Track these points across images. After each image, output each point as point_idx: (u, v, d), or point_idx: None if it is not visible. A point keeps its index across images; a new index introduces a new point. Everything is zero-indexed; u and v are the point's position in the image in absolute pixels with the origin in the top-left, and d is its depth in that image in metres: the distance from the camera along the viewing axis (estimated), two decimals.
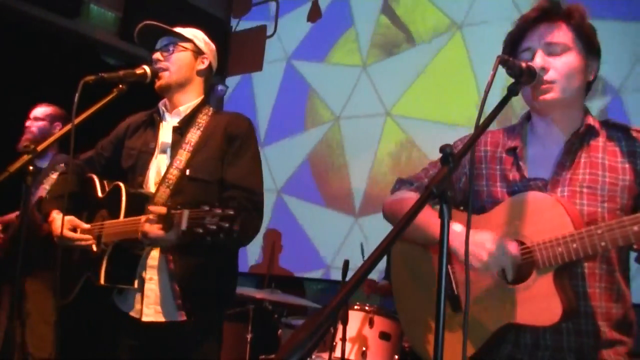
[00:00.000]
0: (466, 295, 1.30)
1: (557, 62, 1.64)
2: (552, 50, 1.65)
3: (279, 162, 5.57)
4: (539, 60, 1.63)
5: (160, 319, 2.16)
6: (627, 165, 1.62)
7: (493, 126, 1.63)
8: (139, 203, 2.17)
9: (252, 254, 5.52)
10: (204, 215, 1.82)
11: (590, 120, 1.69)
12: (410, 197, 1.85)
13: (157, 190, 2.21)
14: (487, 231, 1.60)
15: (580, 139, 1.67)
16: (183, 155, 2.24)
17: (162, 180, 2.22)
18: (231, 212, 1.82)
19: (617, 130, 1.68)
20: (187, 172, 2.21)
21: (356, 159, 5.14)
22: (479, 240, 1.58)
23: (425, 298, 1.80)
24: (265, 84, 5.90)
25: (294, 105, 5.62)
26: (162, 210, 1.96)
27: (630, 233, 1.42)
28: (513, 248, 1.58)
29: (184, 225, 1.85)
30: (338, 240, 5.00)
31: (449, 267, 1.74)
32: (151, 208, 2.02)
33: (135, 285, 2.19)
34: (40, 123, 3.82)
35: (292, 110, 5.62)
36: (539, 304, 1.53)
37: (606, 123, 1.71)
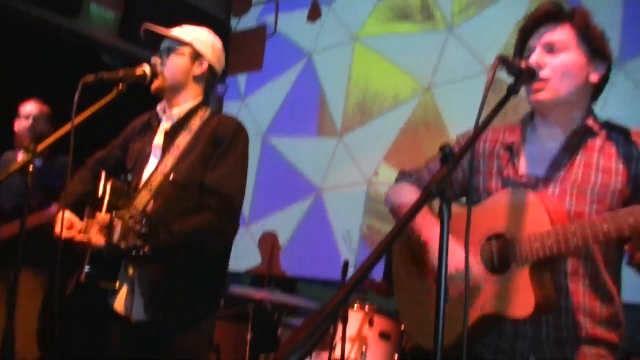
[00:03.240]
0: (465, 295, 1.30)
1: (554, 60, 1.64)
2: (550, 48, 1.65)
3: None
4: (534, 57, 1.64)
5: (147, 317, 2.15)
6: (621, 168, 1.63)
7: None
8: (119, 202, 2.18)
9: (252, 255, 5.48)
10: (130, 230, 1.83)
11: (591, 122, 1.69)
12: (408, 189, 1.91)
13: (138, 194, 2.19)
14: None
15: (579, 139, 1.68)
16: (170, 161, 2.22)
17: (145, 185, 2.21)
18: (143, 231, 1.84)
19: (617, 133, 1.69)
20: (171, 177, 2.19)
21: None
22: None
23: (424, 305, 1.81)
24: None
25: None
26: (106, 219, 1.94)
27: (600, 233, 1.46)
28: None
29: (116, 238, 1.86)
30: None
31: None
32: (98, 216, 2.04)
33: (117, 285, 2.16)
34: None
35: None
36: (515, 296, 1.56)
37: (607, 125, 1.71)
